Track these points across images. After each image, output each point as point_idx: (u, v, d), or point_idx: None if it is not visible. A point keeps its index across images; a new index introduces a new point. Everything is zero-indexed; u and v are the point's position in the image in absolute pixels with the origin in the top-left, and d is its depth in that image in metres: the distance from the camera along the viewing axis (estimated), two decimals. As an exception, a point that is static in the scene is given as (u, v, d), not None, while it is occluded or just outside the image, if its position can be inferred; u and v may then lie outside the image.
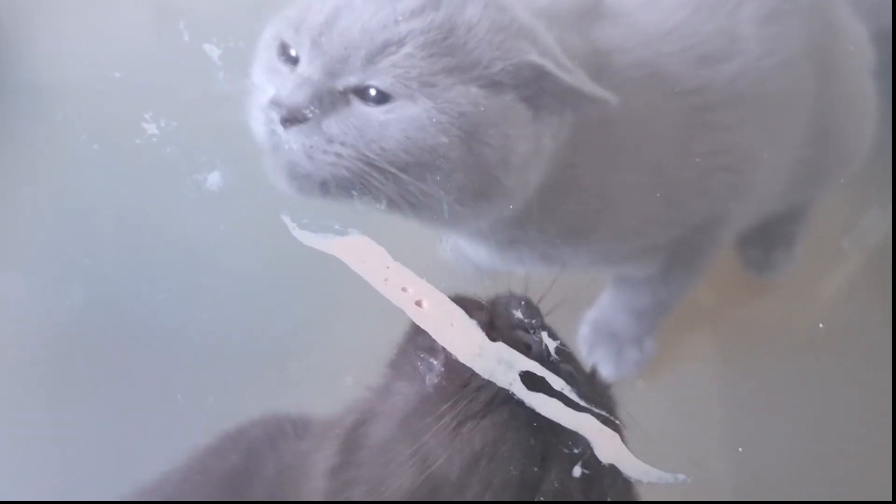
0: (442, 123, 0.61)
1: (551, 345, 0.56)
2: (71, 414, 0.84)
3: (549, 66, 0.63)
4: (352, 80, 0.61)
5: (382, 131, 0.61)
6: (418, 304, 0.60)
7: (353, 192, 0.63)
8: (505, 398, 0.54)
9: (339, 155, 0.61)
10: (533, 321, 0.57)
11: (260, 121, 0.64)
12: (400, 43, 0.61)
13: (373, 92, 0.61)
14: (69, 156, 0.89)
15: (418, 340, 0.58)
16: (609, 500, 0.54)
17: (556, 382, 0.55)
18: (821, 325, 0.90)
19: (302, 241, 0.63)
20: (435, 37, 0.62)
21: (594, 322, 1.06)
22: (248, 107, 0.65)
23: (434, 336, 0.57)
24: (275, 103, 0.61)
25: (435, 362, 0.57)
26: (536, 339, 0.55)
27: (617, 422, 0.55)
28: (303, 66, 0.63)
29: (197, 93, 0.73)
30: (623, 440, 0.55)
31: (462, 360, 0.56)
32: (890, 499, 0.78)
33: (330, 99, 0.62)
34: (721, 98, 0.76)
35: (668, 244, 0.84)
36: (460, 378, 0.55)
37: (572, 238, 0.77)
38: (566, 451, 0.53)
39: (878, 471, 0.85)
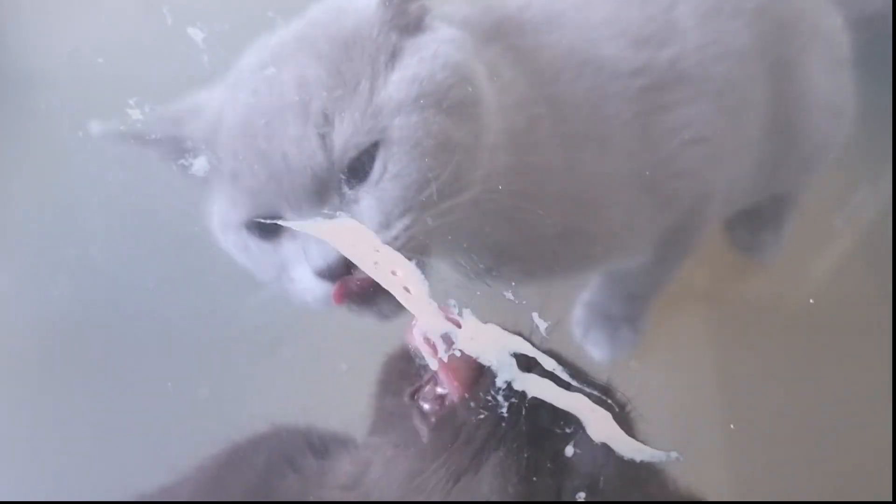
0: (421, 118, 0.62)
1: (542, 325, 0.56)
2: (60, 405, 0.84)
3: None
4: (336, 181, 0.62)
5: (400, 180, 0.61)
6: (406, 289, 0.59)
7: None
8: (497, 437, 0.53)
9: (396, 238, 0.62)
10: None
11: (318, 295, 0.63)
12: (326, 113, 0.61)
13: (360, 165, 0.62)
14: (53, 144, 0.89)
15: (400, 391, 0.57)
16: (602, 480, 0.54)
17: (548, 363, 0.55)
18: (811, 301, 0.90)
19: (291, 226, 0.62)
20: (334, 81, 0.62)
21: (588, 304, 1.06)
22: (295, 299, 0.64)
23: (421, 321, 0.57)
24: (325, 273, 0.61)
25: (422, 424, 0.56)
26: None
27: (609, 401, 0.55)
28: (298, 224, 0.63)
29: (181, 77, 0.72)
30: (628, 420, 0.55)
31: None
32: (890, 499, 0.78)
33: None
34: (665, 79, 0.76)
35: (660, 233, 0.84)
36: (451, 429, 0.54)
37: (568, 241, 0.78)
38: (558, 430, 0.53)
39: (878, 471, 0.85)
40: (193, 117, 0.68)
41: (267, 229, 0.65)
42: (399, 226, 0.61)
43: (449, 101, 0.63)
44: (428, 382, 0.57)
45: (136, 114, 0.69)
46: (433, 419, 0.55)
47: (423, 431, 0.55)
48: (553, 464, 0.53)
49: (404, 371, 0.58)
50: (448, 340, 0.56)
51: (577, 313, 1.06)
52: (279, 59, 0.64)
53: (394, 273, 0.60)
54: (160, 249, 0.83)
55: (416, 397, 0.57)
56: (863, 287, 1.09)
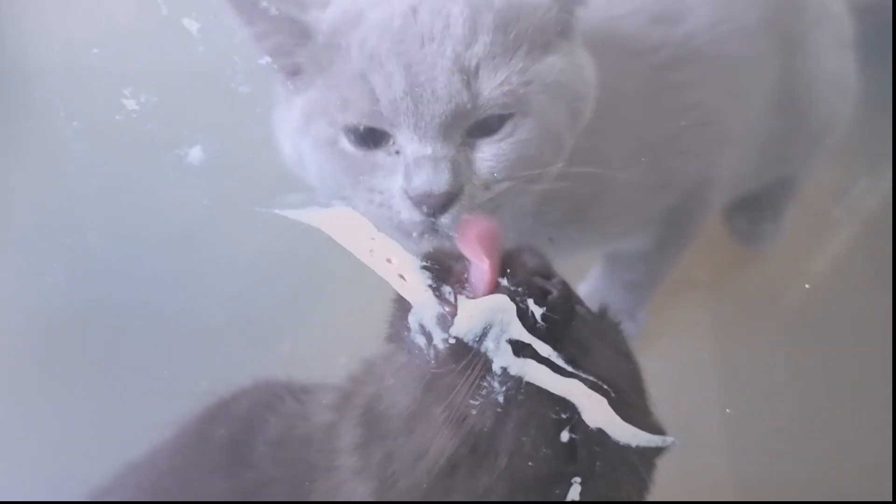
0: (555, 106, 0.64)
1: (537, 311, 0.56)
2: (56, 396, 0.84)
3: None
4: (466, 125, 0.63)
5: (518, 148, 0.63)
6: (402, 276, 0.59)
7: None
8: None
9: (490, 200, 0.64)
10: (547, 268, 0.57)
11: (414, 214, 0.64)
12: (481, 61, 0.62)
13: (492, 121, 0.63)
14: (48, 134, 0.89)
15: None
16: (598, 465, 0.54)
17: (543, 349, 0.55)
18: (807, 286, 0.90)
19: (286, 214, 0.62)
20: (499, 38, 0.63)
21: (587, 295, 1.05)
22: (384, 211, 0.65)
23: (417, 307, 0.57)
24: (423, 199, 0.62)
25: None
26: (556, 282, 0.55)
27: (605, 387, 0.55)
28: (413, 145, 0.63)
29: (177, 67, 0.73)
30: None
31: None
32: (890, 499, 0.78)
33: (462, 157, 0.63)
34: (679, 56, 0.78)
35: (662, 214, 0.83)
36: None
37: (574, 218, 0.78)
38: (553, 416, 0.53)
39: (878, 470, 0.85)
40: (322, 5, 0.66)
41: (363, 140, 0.64)
42: (496, 189, 0.63)
43: (575, 105, 0.67)
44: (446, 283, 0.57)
45: (131, 104, 0.69)
46: (448, 317, 0.55)
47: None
48: (549, 449, 0.53)
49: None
50: (444, 323, 0.56)
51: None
52: None
53: (389, 261, 0.60)
54: (157, 240, 0.84)
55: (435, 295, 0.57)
56: (862, 277, 1.09)
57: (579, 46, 0.69)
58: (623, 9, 0.77)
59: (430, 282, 0.58)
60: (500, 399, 0.53)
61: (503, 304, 0.55)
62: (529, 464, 0.52)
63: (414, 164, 0.62)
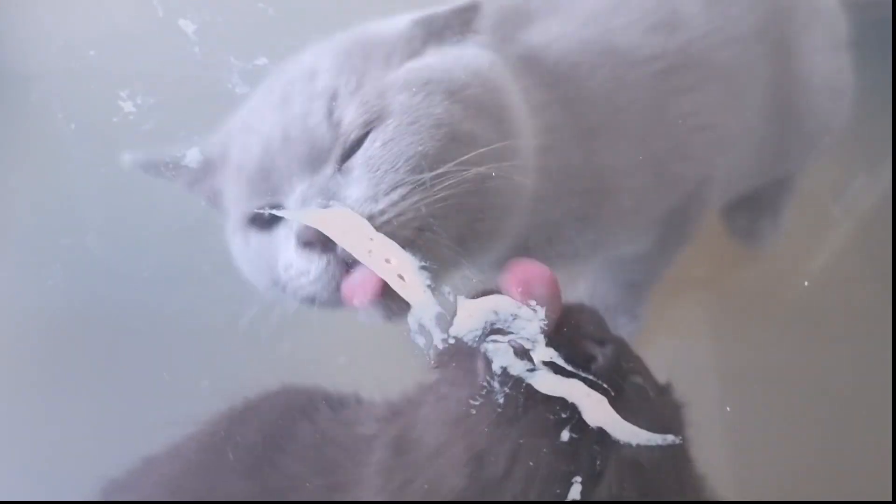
0: (423, 99, 0.62)
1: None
2: (55, 396, 0.84)
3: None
4: (334, 157, 0.62)
5: (386, 150, 0.61)
6: (401, 276, 0.59)
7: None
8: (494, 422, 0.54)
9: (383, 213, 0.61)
10: (599, 332, 0.56)
11: (312, 259, 0.62)
12: (337, 102, 0.62)
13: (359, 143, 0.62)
14: (47, 135, 0.89)
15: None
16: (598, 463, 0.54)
17: (545, 353, 0.55)
18: (806, 283, 0.90)
19: (283, 215, 0.62)
20: (353, 78, 0.63)
21: (586, 295, 1.05)
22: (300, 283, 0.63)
23: (416, 307, 0.57)
24: (306, 234, 0.60)
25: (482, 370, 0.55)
26: (607, 350, 0.54)
27: (605, 386, 0.55)
28: (292, 198, 0.63)
29: (173, 69, 0.72)
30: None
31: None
32: (890, 499, 0.78)
33: (333, 182, 0.62)
34: (677, 63, 0.77)
35: (661, 215, 0.84)
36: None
37: (579, 229, 0.78)
38: (552, 416, 0.53)
39: (878, 470, 0.85)
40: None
41: (265, 223, 0.65)
42: (386, 200, 0.60)
43: (459, 94, 0.63)
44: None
45: (128, 106, 0.69)
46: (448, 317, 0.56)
47: (481, 375, 0.55)
48: (549, 449, 0.53)
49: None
50: (444, 323, 0.56)
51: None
52: (294, 63, 0.66)
53: (388, 261, 0.60)
54: (156, 240, 0.83)
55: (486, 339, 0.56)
56: (862, 275, 1.09)
57: (462, 47, 0.68)
58: (619, 21, 0.77)
59: (428, 282, 0.58)
60: (501, 399, 0.53)
61: (502, 305, 0.55)
62: (531, 463, 0.52)
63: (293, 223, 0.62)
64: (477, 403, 0.54)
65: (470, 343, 0.55)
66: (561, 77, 0.73)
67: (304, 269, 0.61)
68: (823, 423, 0.94)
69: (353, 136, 0.61)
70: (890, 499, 0.78)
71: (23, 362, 0.88)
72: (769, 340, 1.01)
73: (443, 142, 0.61)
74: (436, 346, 0.56)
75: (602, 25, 0.76)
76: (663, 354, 1.01)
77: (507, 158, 0.63)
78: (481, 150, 0.61)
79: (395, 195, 0.60)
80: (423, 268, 0.59)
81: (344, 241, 0.60)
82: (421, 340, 0.58)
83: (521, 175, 0.66)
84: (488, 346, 0.55)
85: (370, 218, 0.59)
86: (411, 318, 0.58)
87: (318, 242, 0.60)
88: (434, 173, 0.60)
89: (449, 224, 0.62)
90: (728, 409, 0.76)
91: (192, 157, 0.66)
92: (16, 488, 0.76)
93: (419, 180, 0.60)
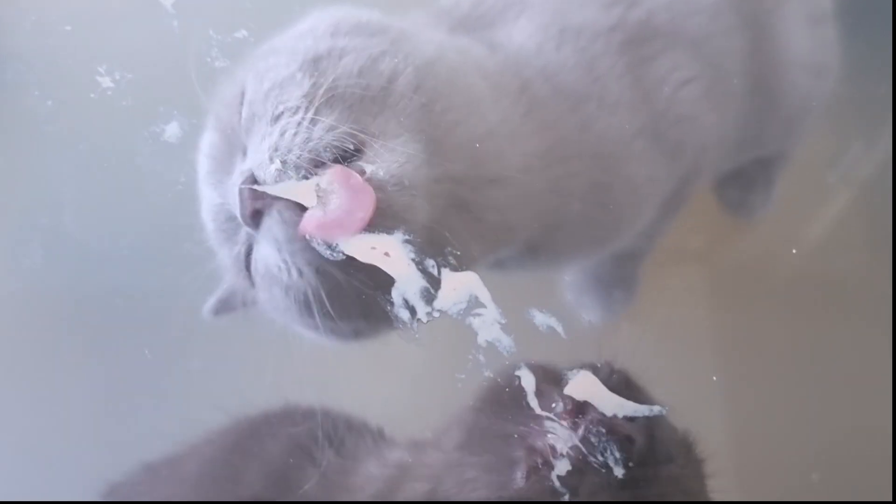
0: None
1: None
2: (34, 377, 0.83)
3: None
4: None
5: None
6: (387, 254, 0.58)
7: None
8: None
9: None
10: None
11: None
12: None
13: None
14: (22, 114, 0.88)
15: (508, 420, 0.56)
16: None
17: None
18: (794, 251, 0.89)
19: (266, 190, 0.61)
20: None
21: (580, 267, 1.05)
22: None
23: (400, 281, 0.56)
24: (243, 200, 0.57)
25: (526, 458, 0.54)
26: (640, 424, 0.53)
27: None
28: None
29: (151, 43, 0.71)
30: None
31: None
32: (890, 499, 0.78)
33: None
34: (642, 33, 0.77)
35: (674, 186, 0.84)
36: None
37: (596, 205, 0.77)
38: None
39: (878, 469, 0.84)
40: None
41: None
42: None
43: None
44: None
45: (106, 81, 0.68)
46: (538, 460, 0.53)
47: (522, 467, 0.53)
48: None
49: (515, 401, 0.56)
50: (428, 296, 0.56)
51: (571, 276, 1.05)
52: None
53: (373, 248, 0.59)
54: (134, 218, 0.82)
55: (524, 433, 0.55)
56: (859, 245, 1.08)
57: None
58: (574, 1, 0.77)
59: (413, 255, 0.58)
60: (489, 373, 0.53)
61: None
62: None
63: None
64: (462, 377, 0.53)
65: (454, 316, 0.55)
66: (530, 57, 0.73)
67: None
68: (819, 395, 0.93)
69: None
70: (890, 499, 0.78)
71: (1, 341, 0.87)
72: (764, 311, 1.01)
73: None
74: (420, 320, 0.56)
75: (556, 9, 0.76)
76: (657, 325, 1.01)
77: None
78: None
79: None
80: (408, 241, 0.59)
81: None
82: (405, 315, 0.58)
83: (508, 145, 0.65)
84: (472, 320, 0.55)
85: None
86: (395, 292, 0.57)
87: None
88: None
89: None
90: (714, 378, 0.75)
91: (172, 131, 0.65)
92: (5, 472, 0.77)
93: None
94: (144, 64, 0.71)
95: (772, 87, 0.88)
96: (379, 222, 0.54)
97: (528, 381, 0.54)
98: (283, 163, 0.54)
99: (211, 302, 0.71)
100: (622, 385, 0.54)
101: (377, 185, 0.53)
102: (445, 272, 0.57)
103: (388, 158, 0.55)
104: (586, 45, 0.75)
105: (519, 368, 0.55)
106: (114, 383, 0.80)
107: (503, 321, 0.57)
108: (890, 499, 0.78)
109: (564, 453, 0.50)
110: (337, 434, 0.67)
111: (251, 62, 0.62)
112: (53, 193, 0.85)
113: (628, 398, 0.53)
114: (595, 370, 0.55)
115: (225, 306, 0.71)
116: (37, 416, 0.82)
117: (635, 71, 0.77)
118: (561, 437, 0.51)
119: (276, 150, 0.55)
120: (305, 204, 0.54)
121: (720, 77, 0.82)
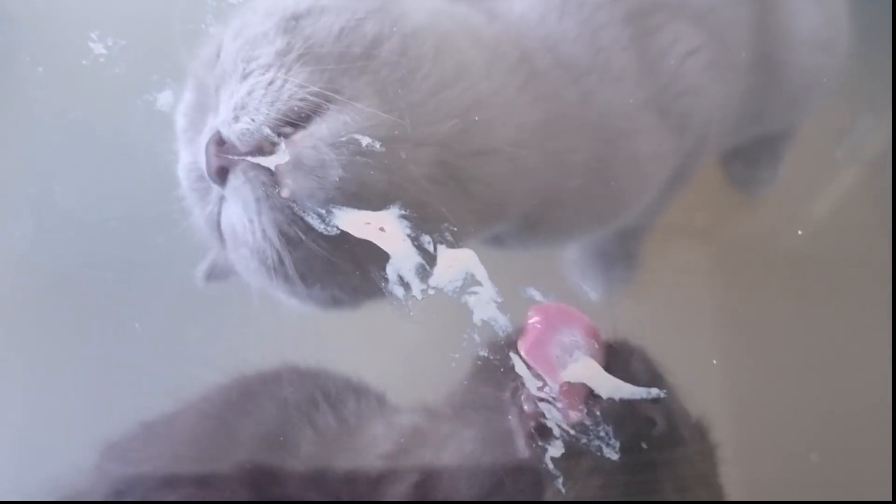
0: None
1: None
2: (25, 348, 0.83)
3: None
4: None
5: None
6: (382, 229, 0.58)
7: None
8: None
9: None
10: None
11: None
12: None
13: None
14: (12, 81, 0.87)
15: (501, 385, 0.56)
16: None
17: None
18: (799, 233, 0.88)
19: (258, 161, 0.60)
20: None
21: (581, 244, 1.04)
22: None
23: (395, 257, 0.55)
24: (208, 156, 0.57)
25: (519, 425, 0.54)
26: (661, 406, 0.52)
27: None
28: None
29: (145, 9, 0.70)
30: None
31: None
32: (890, 499, 0.77)
33: None
34: (646, 4, 0.76)
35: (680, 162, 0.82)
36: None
37: (599, 181, 0.75)
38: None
39: (878, 451, 0.84)
40: None
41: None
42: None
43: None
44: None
45: (98, 48, 0.67)
46: (532, 423, 0.53)
47: (519, 435, 0.53)
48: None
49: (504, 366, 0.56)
50: (424, 274, 0.55)
51: (572, 253, 1.04)
52: None
53: (367, 223, 0.58)
54: (123, 187, 0.81)
55: (516, 396, 0.54)
56: (866, 222, 1.07)
57: None
58: None
59: (408, 231, 0.57)
60: (484, 353, 0.53)
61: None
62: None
63: None
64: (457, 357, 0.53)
65: (450, 294, 0.54)
66: (531, 27, 0.71)
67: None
68: (818, 374, 0.93)
69: None
70: (890, 499, 0.77)
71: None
72: (767, 289, 1.00)
73: None
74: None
75: None
76: (661, 300, 1.01)
77: None
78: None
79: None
80: (403, 216, 0.57)
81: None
82: (400, 291, 0.57)
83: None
84: (468, 298, 0.54)
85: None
86: (390, 269, 0.56)
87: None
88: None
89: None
90: (714, 362, 0.75)
91: (165, 100, 0.63)
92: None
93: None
94: (138, 30, 0.70)
95: (778, 62, 0.87)
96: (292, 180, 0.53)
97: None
98: (252, 121, 0.53)
99: (202, 266, 0.71)
100: (641, 363, 0.54)
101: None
102: (441, 248, 0.56)
103: (343, 118, 0.54)
104: (589, 16, 0.73)
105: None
106: (105, 357, 0.79)
107: (499, 300, 0.56)
108: (890, 499, 0.77)
109: (558, 435, 0.50)
110: (337, 395, 0.66)
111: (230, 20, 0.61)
112: (43, 163, 0.84)
113: (643, 377, 0.53)
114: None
115: (217, 272, 0.71)
116: (24, 385, 0.81)
117: (639, 42, 0.75)
118: (555, 417, 0.51)
119: (242, 108, 0.54)
120: (269, 165, 0.53)
121: (725, 48, 0.81)
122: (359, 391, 0.67)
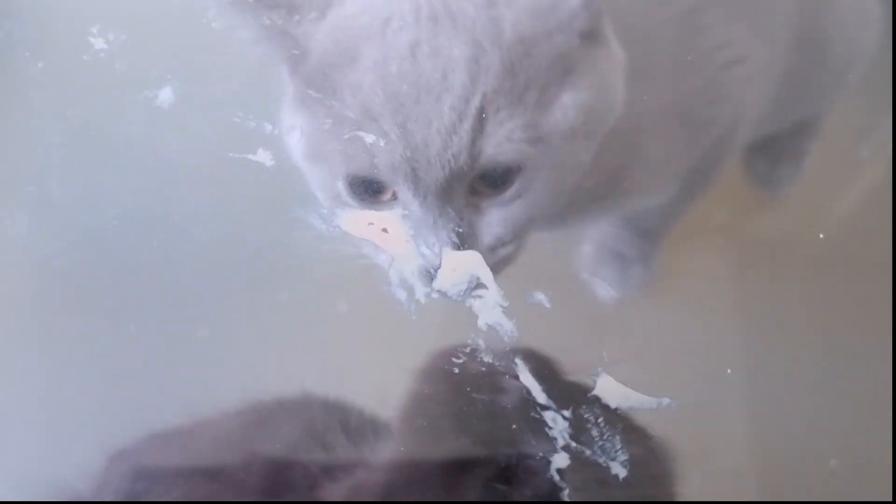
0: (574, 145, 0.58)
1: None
2: (20, 348, 0.82)
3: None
4: (467, 182, 0.57)
5: (530, 208, 0.58)
6: (384, 230, 0.57)
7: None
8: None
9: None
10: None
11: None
12: (484, 116, 0.55)
13: (497, 173, 0.57)
14: (11, 75, 0.86)
15: None
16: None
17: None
18: (821, 236, 0.86)
19: (259, 160, 0.59)
20: (507, 83, 0.55)
21: (598, 242, 1.02)
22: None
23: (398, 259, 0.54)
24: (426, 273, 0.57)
25: None
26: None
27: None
28: (414, 208, 0.57)
29: (146, 3, 0.69)
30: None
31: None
32: (890, 499, 0.76)
33: (466, 224, 0.58)
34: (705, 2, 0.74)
35: (692, 165, 0.81)
36: None
37: (607, 190, 0.74)
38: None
39: (878, 469, 0.82)
40: (317, 18, 0.59)
41: (363, 188, 0.59)
42: (503, 252, 0.58)
43: (600, 130, 0.61)
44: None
45: (99, 43, 0.66)
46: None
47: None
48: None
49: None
50: (427, 276, 0.54)
51: (586, 251, 1.02)
52: (446, 23, 0.57)
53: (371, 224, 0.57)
54: (121, 185, 0.80)
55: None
56: (890, 221, 1.04)
57: (607, 46, 0.62)
58: None
59: (412, 232, 0.55)
60: (488, 359, 0.51)
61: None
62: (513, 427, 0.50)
63: (418, 233, 0.58)
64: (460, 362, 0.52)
65: (454, 298, 0.53)
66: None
67: None
68: (838, 378, 0.91)
69: (488, 169, 0.56)
70: (890, 499, 0.76)
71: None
72: (788, 290, 0.98)
73: (574, 182, 0.61)
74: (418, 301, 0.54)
75: None
76: (680, 299, 0.99)
77: None
78: None
79: (512, 246, 0.59)
80: (406, 216, 0.56)
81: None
82: (402, 295, 0.56)
83: None
84: (473, 302, 0.53)
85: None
86: (393, 271, 0.55)
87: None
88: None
89: None
90: (729, 371, 0.73)
91: (165, 96, 0.62)
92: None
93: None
94: (139, 25, 0.69)
95: (818, 44, 0.85)
96: None
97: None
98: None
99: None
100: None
101: None
102: (446, 250, 0.54)
103: None
104: (650, 9, 0.71)
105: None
106: (105, 357, 0.78)
107: (505, 304, 0.55)
108: (890, 499, 0.76)
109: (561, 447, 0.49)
110: (358, 427, 0.66)
111: None
112: (40, 160, 0.83)
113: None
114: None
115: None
116: (20, 387, 0.81)
117: (687, 42, 0.73)
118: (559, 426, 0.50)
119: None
120: None
121: (773, 59, 0.79)
122: (376, 429, 0.66)
